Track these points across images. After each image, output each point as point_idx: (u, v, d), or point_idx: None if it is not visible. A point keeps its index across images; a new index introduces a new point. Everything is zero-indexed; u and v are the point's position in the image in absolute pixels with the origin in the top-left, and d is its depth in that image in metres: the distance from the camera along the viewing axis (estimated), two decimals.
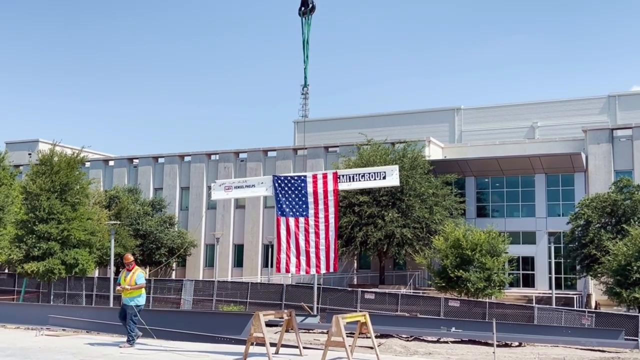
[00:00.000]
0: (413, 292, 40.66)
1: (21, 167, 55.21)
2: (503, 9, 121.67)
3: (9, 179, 39.56)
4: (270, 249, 51.71)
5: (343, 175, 13.63)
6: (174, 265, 54.11)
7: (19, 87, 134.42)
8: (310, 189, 13.61)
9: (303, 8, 14.08)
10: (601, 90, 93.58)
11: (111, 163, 60.51)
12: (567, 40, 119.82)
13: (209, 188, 55.90)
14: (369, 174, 13.47)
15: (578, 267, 40.32)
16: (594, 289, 42.43)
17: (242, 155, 55.56)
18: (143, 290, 15.39)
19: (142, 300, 15.31)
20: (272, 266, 51.31)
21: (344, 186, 13.60)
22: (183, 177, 56.96)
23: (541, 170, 46.89)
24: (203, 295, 40.59)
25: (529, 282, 47.10)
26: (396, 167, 13.71)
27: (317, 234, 13.62)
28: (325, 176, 13.59)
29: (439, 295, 35.59)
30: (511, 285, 42.72)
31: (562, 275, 45.54)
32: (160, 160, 58.53)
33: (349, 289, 39.45)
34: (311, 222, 13.62)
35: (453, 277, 34.52)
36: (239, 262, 54.20)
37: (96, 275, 49.55)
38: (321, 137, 58.40)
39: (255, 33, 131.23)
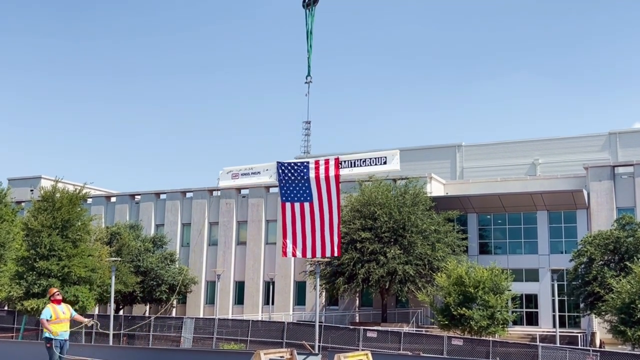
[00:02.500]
0: (416, 330, 40.27)
1: (23, 204, 55.20)
2: (504, 47, 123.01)
3: (11, 216, 39.57)
4: (271, 286, 51.38)
5: (345, 161, 13.75)
6: (175, 302, 53.71)
7: (22, 123, 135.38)
8: (312, 174, 13.76)
9: (307, 0, 14.38)
10: (602, 128, 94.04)
11: (113, 199, 60.55)
12: (569, 78, 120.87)
13: (210, 224, 55.86)
14: (370, 159, 13.60)
15: (582, 305, 39.96)
16: (598, 327, 41.97)
17: (243, 192, 55.59)
18: (49, 325, 14.93)
19: (49, 335, 14.93)
20: (273, 303, 50.97)
21: (345, 171, 13.73)
22: (184, 213, 56.92)
23: (543, 207, 46.82)
24: (203, 333, 40.15)
25: (532, 320, 46.62)
26: (397, 151, 13.82)
27: (321, 219, 13.75)
28: (327, 162, 13.75)
29: (442, 334, 35.22)
30: (514, 323, 42.30)
31: (566, 313, 45.12)
32: (162, 196, 58.58)
33: (351, 326, 39.06)
34: (315, 207, 13.77)
35: (456, 315, 34.22)
36: (239, 299, 53.81)
37: (96, 312, 49.14)
38: None
39: (258, 69, 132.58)
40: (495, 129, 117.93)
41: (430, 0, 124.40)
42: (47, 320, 14.91)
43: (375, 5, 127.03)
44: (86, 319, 15.45)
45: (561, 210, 46.74)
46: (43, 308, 15.10)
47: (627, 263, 35.64)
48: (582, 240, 40.51)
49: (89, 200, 55.58)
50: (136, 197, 59.82)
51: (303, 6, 14.42)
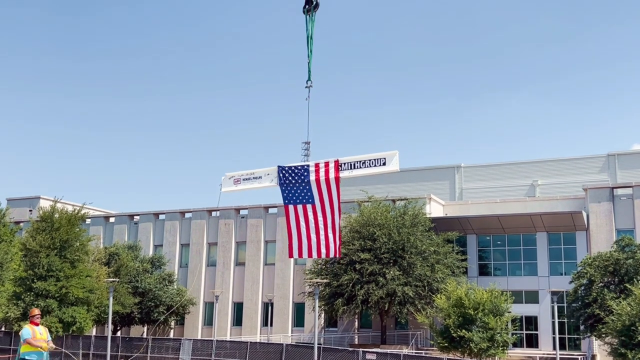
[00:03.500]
0: (415, 353, 39.99)
1: (22, 224, 55.14)
2: (503, 68, 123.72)
3: (9, 236, 39.54)
4: (270, 307, 51.16)
5: (344, 164, 13.85)
6: (172, 323, 53.43)
7: (21, 143, 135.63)
8: (313, 177, 13.90)
9: (307, 6, 14.53)
10: (601, 149, 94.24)
11: (112, 219, 60.47)
12: (567, 99, 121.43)
13: (209, 245, 55.76)
14: (369, 160, 13.64)
15: (582, 327, 39.76)
16: (599, 350, 41.72)
17: (242, 212, 55.54)
18: (37, 342, 14.82)
19: (27, 356, 14.88)
20: (271, 325, 50.70)
21: (345, 174, 13.81)
22: (183, 233, 56.83)
23: (542, 229, 46.78)
24: (201, 354, 39.86)
25: (532, 342, 46.36)
26: (396, 152, 13.77)
27: (324, 221, 13.94)
28: (327, 164, 13.85)
29: (442, 356, 35.00)
30: (514, 345, 42.03)
31: (566, 336, 44.88)
32: (161, 216, 58.52)
33: (350, 349, 38.81)
34: (317, 209, 13.95)
35: (456, 337, 34.04)
36: (238, 320, 53.53)
37: (94, 333, 48.86)
38: None
39: (258, 90, 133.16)
40: (494, 150, 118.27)
41: (429, 22, 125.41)
42: (28, 339, 14.88)
43: (375, 28, 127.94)
44: (52, 345, 15.34)
45: (560, 231, 46.69)
46: (20, 329, 15.02)
47: (627, 285, 35.51)
48: (581, 262, 40.42)
49: (88, 221, 55.48)
50: (135, 217, 59.76)
51: (303, 12, 14.59)
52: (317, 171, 13.87)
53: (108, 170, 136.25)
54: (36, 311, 15.37)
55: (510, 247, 48.33)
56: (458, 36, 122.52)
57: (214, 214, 56.34)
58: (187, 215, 57.46)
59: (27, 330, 14.87)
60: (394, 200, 47.70)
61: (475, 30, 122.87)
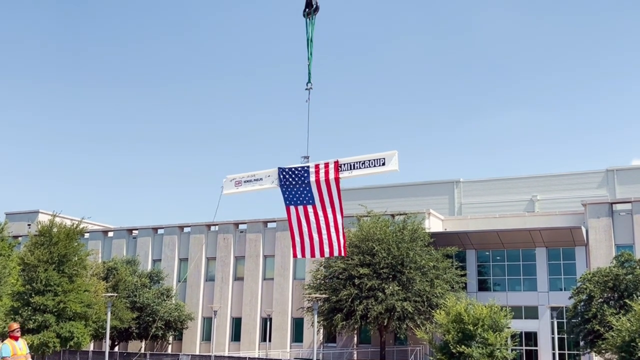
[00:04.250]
0: None
1: (20, 238, 55.04)
2: (502, 83, 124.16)
3: (7, 250, 39.39)
4: (268, 323, 50.95)
5: (344, 164, 13.97)
6: (170, 338, 53.20)
7: (20, 157, 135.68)
8: (312, 178, 14.02)
9: (307, 9, 14.70)
10: (600, 164, 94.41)
11: (110, 234, 60.40)
12: (566, 115, 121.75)
13: (208, 259, 55.65)
14: (369, 161, 13.75)
15: (582, 343, 39.60)
16: None
17: (241, 227, 55.48)
18: None
19: None
20: (270, 340, 50.48)
21: (345, 174, 13.90)
22: (182, 248, 56.73)
23: (542, 244, 46.73)
24: None
25: (532, 358, 46.16)
26: (395, 152, 13.85)
27: (326, 221, 14.06)
28: (327, 165, 13.98)
29: None
30: None
31: (566, 352, 44.68)
32: (160, 231, 58.45)
33: None
34: (318, 209, 14.08)
35: (455, 353, 33.82)
36: (236, 335, 53.30)
37: (91, 348, 48.65)
38: None
39: (256, 103, 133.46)
40: (493, 165, 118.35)
41: (429, 36, 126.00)
42: (6, 357, 14.71)
43: (374, 43, 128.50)
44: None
45: (560, 247, 46.65)
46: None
47: (627, 301, 35.42)
48: (581, 278, 40.34)
49: (86, 235, 55.41)
50: (134, 231, 59.71)
51: (304, 15, 14.77)
52: (317, 172, 14.00)
53: (107, 184, 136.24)
54: (15, 325, 15.18)
55: (509, 262, 48.26)
56: (458, 50, 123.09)
57: (212, 228, 56.28)
58: (186, 229, 57.41)
59: (7, 348, 14.62)
60: (393, 215, 47.68)
61: (475, 45, 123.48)
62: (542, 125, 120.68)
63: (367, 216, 45.90)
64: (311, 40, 14.77)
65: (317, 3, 14.61)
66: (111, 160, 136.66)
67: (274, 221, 54.15)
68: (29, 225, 60.43)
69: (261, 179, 14.82)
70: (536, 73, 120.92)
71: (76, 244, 36.28)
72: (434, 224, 50.55)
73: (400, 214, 47.14)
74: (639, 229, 44.70)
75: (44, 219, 41.69)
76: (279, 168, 14.47)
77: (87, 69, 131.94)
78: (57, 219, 36.51)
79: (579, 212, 48.48)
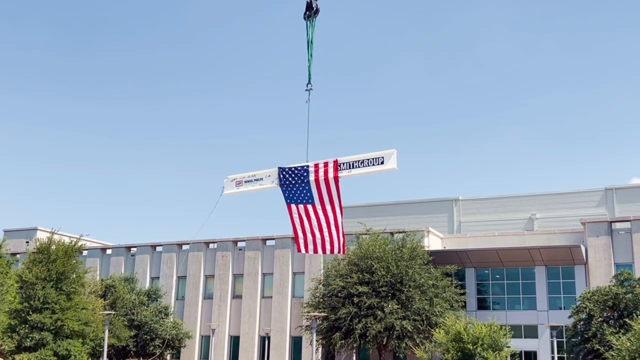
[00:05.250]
0: None
1: (18, 255, 54.87)
2: (502, 102, 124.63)
3: (5, 267, 39.26)
4: (267, 341, 50.66)
5: (343, 163, 14.10)
6: (168, 357, 52.85)
7: (19, 174, 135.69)
8: (312, 177, 14.18)
9: (307, 12, 14.96)
10: (599, 183, 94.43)
11: (109, 251, 60.22)
12: (566, 133, 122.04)
13: (206, 277, 55.46)
14: (368, 160, 13.87)
15: None
16: None
17: (240, 244, 55.37)
18: None
19: None
20: (268, 359, 50.16)
21: (344, 173, 14.01)
22: (180, 266, 56.55)
23: (541, 263, 46.64)
24: None
25: None
26: (394, 150, 13.93)
27: (326, 220, 14.27)
28: (326, 164, 14.13)
29: None
30: None
31: None
32: (158, 248, 58.30)
33: None
34: (318, 209, 14.27)
35: None
36: (234, 354, 52.97)
37: None
38: None
39: (255, 117, 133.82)
40: (493, 184, 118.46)
41: (429, 55, 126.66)
42: None
43: (373, 61, 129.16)
44: None
45: (559, 265, 46.55)
46: None
47: (627, 320, 35.31)
48: (580, 297, 40.24)
49: (85, 252, 55.18)
50: (132, 249, 59.55)
51: (304, 18, 15.01)
52: (316, 171, 14.16)
53: (106, 201, 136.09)
54: None
55: (508, 280, 48.12)
56: (458, 69, 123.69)
57: (211, 245, 56.18)
58: (185, 247, 57.25)
59: None
60: (392, 233, 47.62)
61: (475, 64, 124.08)
62: (541, 144, 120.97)
63: (366, 234, 45.83)
64: (311, 42, 15.01)
65: (317, 6, 14.86)
66: (110, 177, 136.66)
67: (273, 239, 54.06)
68: (27, 242, 60.27)
69: (261, 178, 14.99)
70: (536, 92, 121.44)
71: (74, 261, 36.19)
72: (433, 242, 50.48)
73: (400, 232, 47.07)
74: (638, 247, 44.64)
75: (42, 236, 41.62)
76: (279, 168, 14.65)
77: (85, 84, 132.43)
78: (56, 236, 36.44)
79: (578, 231, 48.44)
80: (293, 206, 14.47)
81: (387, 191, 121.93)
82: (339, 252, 14.39)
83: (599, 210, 55.40)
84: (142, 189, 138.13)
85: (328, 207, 14.22)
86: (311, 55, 15.04)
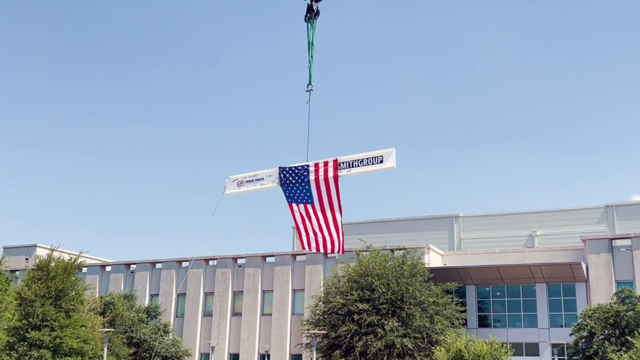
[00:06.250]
0: None
1: (17, 272, 54.75)
2: (502, 118, 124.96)
3: (4, 285, 39.13)
4: (266, 359, 50.37)
5: (342, 163, 14.20)
6: None
7: (19, 191, 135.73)
8: (312, 176, 14.33)
9: (308, 14, 15.11)
10: (600, 200, 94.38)
11: (108, 268, 60.09)
12: (566, 150, 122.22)
13: (206, 294, 55.27)
14: (367, 159, 13.97)
15: None
16: None
17: (240, 261, 55.27)
18: None
19: None
20: None
21: (343, 172, 14.11)
22: (180, 283, 56.38)
23: (542, 280, 46.51)
24: None
25: None
26: (393, 149, 13.98)
27: (325, 220, 14.43)
28: (326, 164, 14.27)
29: None
30: None
31: None
32: (158, 265, 58.17)
33: None
34: (317, 208, 14.43)
35: None
36: None
37: None
38: None
39: (253, 141, 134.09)
40: (493, 200, 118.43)
41: (430, 70, 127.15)
42: None
43: (373, 78, 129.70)
44: None
45: (560, 282, 46.42)
46: None
47: (628, 337, 35.16)
48: (581, 314, 40.09)
49: (84, 269, 55.07)
50: (131, 266, 59.42)
51: (305, 20, 15.15)
52: (316, 171, 14.31)
53: (105, 218, 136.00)
54: None
55: (509, 298, 47.96)
56: (459, 84, 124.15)
57: (210, 262, 56.07)
58: (184, 264, 57.13)
59: None
60: (392, 250, 47.51)
61: (476, 80, 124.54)
62: (541, 161, 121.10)
63: (366, 251, 45.72)
64: (312, 44, 15.15)
65: (317, 8, 15.02)
66: (109, 194, 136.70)
67: (273, 255, 53.97)
68: (26, 259, 60.15)
69: (262, 178, 15.16)
70: (536, 109, 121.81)
71: (74, 278, 36.05)
72: (434, 259, 50.36)
73: (400, 249, 46.95)
74: (639, 265, 44.53)
75: (42, 253, 41.53)
76: (280, 167, 14.82)
77: (84, 102, 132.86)
78: (55, 253, 36.33)
79: (578, 248, 48.36)
80: (294, 205, 14.67)
81: (387, 208, 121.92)
82: (338, 251, 14.60)
83: (600, 227, 55.37)
84: (142, 206, 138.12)
85: (327, 207, 14.38)
86: (312, 56, 15.18)
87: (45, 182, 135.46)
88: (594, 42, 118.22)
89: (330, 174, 14.11)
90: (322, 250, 14.64)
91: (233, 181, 15.46)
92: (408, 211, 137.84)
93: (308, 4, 14.96)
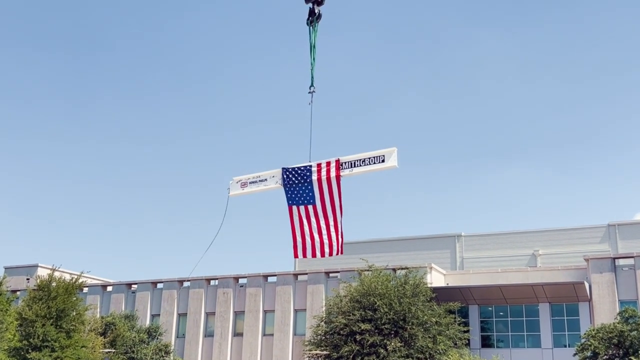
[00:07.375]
0: None
1: (18, 293, 54.56)
2: (504, 137, 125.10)
3: (5, 305, 39.01)
4: None
5: (345, 162, 14.32)
6: None
7: (20, 211, 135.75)
8: (314, 177, 14.46)
9: (310, 18, 15.28)
10: (603, 219, 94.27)
11: (109, 288, 59.90)
12: (569, 169, 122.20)
13: (207, 314, 55.02)
14: (369, 158, 14.09)
15: None
16: None
17: (241, 281, 55.07)
18: None
19: None
20: None
21: (346, 172, 14.23)
22: (181, 303, 56.17)
23: (545, 299, 46.27)
24: None
25: None
26: (394, 149, 14.06)
27: (325, 220, 14.49)
28: (328, 164, 14.44)
29: None
30: None
31: None
32: (159, 285, 57.99)
33: None
34: (318, 209, 14.52)
35: None
36: None
37: None
38: (322, 263, 58.10)
39: (255, 156, 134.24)
40: (495, 220, 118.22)
41: (431, 87, 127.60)
42: None
43: (374, 98, 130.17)
44: None
45: (563, 302, 46.17)
46: None
47: (632, 358, 34.93)
48: (585, 334, 39.83)
49: (85, 289, 54.96)
50: (133, 286, 59.24)
51: (307, 23, 15.30)
52: (319, 171, 14.48)
53: (106, 238, 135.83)
54: None
55: (512, 317, 47.68)
56: (459, 103, 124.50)
57: (212, 282, 55.89)
58: (185, 284, 56.92)
59: None
60: (394, 269, 47.35)
61: (477, 98, 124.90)
62: (543, 180, 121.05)
63: (368, 270, 45.56)
64: (314, 47, 15.33)
65: (319, 11, 15.21)
66: (110, 214, 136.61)
67: (274, 275, 53.79)
68: (27, 279, 59.99)
69: (266, 179, 15.37)
70: (538, 128, 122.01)
71: (75, 298, 35.99)
72: (436, 279, 50.15)
73: (402, 268, 46.80)
74: None
75: (43, 273, 41.45)
76: (283, 168, 14.99)
77: (82, 122, 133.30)
78: (56, 273, 36.29)
79: (581, 267, 48.18)
80: (294, 208, 14.75)
81: (389, 227, 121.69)
82: (337, 252, 14.60)
83: (602, 246, 55.20)
84: (143, 226, 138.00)
85: (329, 208, 14.48)
86: (314, 59, 15.35)
87: (47, 203, 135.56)
88: (595, 63, 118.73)
89: (333, 174, 14.29)
90: (318, 254, 14.64)
91: (237, 182, 15.65)
92: (410, 230, 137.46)
93: (310, 8, 15.18)
